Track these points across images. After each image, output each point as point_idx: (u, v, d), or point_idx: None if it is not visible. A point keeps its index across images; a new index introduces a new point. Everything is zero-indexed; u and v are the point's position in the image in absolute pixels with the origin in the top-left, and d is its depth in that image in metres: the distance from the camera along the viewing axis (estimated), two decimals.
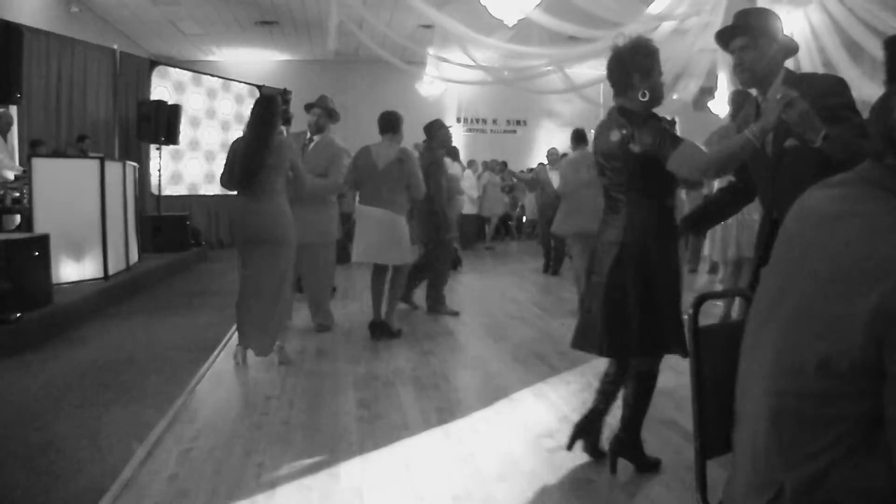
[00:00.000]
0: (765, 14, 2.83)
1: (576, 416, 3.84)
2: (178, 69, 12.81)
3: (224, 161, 4.99)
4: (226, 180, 4.92)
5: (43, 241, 5.82)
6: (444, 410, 4.00)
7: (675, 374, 3.76)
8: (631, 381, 3.11)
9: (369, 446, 3.46)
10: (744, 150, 2.57)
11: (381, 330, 5.75)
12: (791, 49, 2.83)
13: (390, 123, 5.86)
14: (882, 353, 1.25)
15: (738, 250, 5.73)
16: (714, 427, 1.94)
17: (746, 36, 2.76)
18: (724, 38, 2.85)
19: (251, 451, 3.35)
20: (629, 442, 3.15)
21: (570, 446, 3.25)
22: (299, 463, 3.24)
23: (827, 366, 1.33)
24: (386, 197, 5.69)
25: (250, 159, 4.69)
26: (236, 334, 5.04)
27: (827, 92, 2.65)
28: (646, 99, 2.92)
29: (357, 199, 6.14)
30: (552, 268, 9.85)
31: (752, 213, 5.15)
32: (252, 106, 4.98)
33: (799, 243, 1.52)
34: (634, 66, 2.92)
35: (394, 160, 5.71)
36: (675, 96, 10.68)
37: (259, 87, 13.59)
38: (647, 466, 3.16)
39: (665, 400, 4.04)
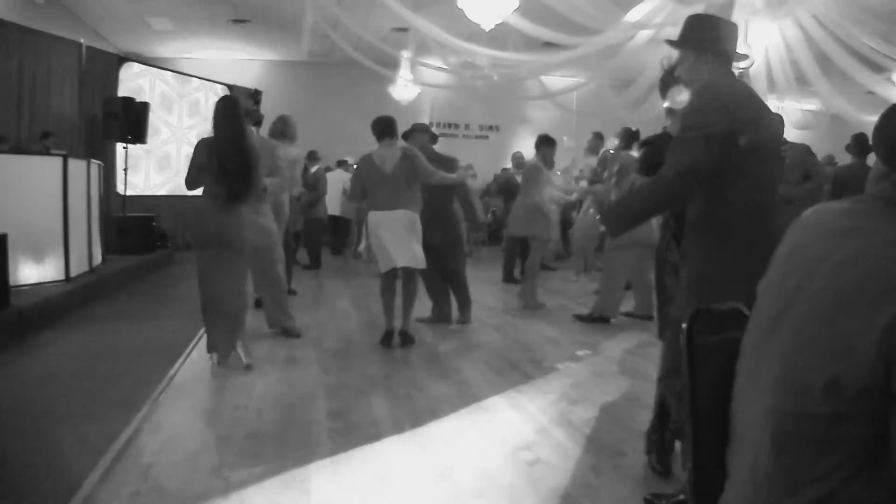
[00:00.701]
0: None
1: (554, 428, 3.78)
2: (146, 66, 12.58)
3: (189, 163, 4.87)
4: (209, 181, 4.72)
5: (0, 241, 5.60)
6: (419, 421, 3.89)
7: (643, 381, 3.69)
8: None
9: (342, 459, 3.33)
10: None
11: (404, 339, 5.65)
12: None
13: (390, 127, 5.76)
14: (890, 375, 1.19)
15: None
16: (709, 447, 1.86)
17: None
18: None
19: (218, 466, 3.20)
20: None
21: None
22: (269, 478, 3.10)
23: (834, 387, 1.27)
24: (403, 198, 5.58)
25: (243, 158, 4.72)
26: (204, 340, 4.97)
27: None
28: None
29: (367, 207, 5.84)
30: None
31: None
32: (216, 108, 4.85)
33: (803, 258, 1.46)
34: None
35: (399, 159, 5.59)
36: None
37: (230, 86, 13.37)
38: None
39: (645, 411, 3.98)
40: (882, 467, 1.26)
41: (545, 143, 7.59)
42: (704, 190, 2.66)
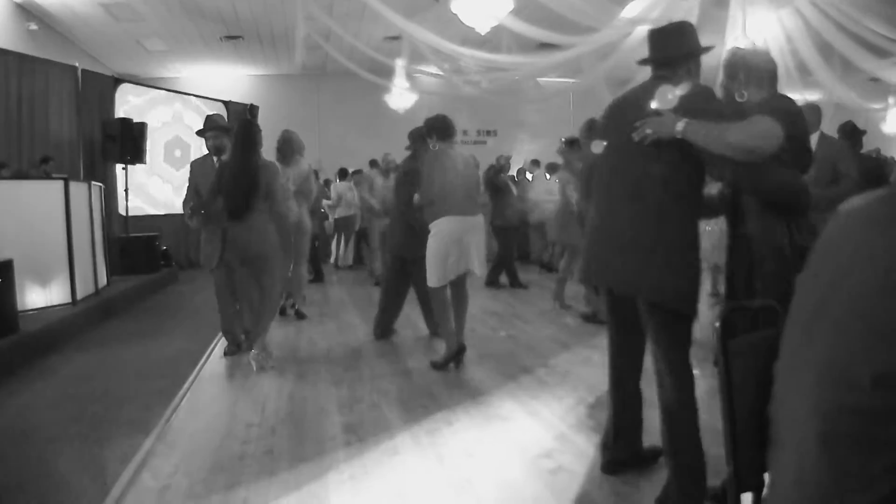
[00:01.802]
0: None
1: (574, 434, 3.72)
2: (142, 86, 12.57)
3: (188, 185, 5.68)
4: (209, 203, 5.30)
5: (7, 267, 5.57)
6: (435, 432, 3.84)
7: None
8: None
9: (359, 474, 3.28)
10: None
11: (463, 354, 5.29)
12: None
13: (452, 128, 5.40)
14: None
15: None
16: (748, 450, 1.82)
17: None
18: None
19: (234, 485, 3.16)
20: None
21: None
22: (286, 496, 3.05)
23: (885, 379, 1.20)
24: (475, 201, 5.30)
25: (248, 181, 5.15)
26: (220, 355, 5.55)
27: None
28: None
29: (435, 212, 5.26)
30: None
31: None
32: (237, 132, 5.31)
33: (845, 247, 1.41)
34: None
35: (467, 162, 5.36)
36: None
37: (226, 103, 13.35)
38: None
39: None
40: None
41: (569, 147, 7.34)
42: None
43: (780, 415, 1.50)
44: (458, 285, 5.36)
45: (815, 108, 5.20)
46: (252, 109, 13.09)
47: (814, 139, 5.57)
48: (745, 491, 1.71)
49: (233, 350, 5.66)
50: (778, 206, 2.87)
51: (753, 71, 3.03)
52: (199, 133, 5.90)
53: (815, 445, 1.32)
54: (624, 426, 3.11)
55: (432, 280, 5.19)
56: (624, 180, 2.84)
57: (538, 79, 11.99)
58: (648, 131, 2.68)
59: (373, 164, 12.23)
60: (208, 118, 5.99)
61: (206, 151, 5.93)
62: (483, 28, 8.07)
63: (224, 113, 11.98)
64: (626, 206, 2.80)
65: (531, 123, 16.79)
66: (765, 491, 1.57)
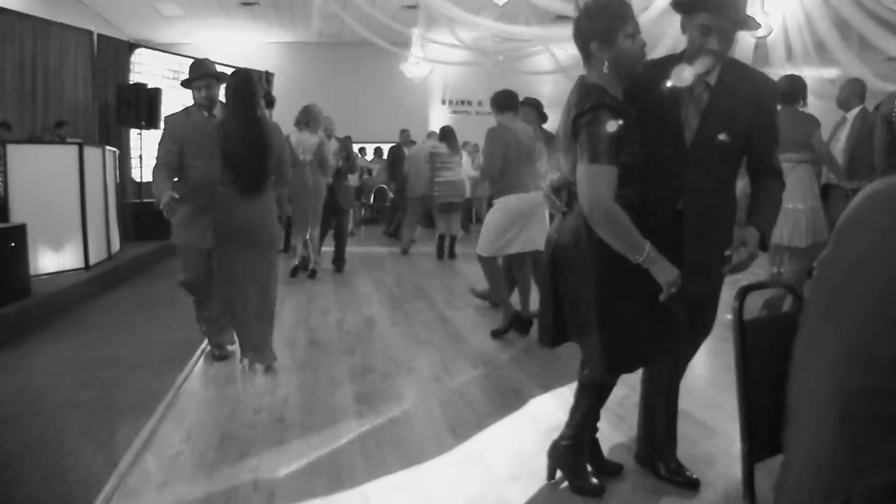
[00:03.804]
0: None
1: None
2: (157, 52, 12.49)
3: (161, 148, 4.42)
4: (217, 169, 4.22)
5: (20, 231, 5.57)
6: (447, 404, 3.82)
7: None
8: None
9: (371, 445, 3.27)
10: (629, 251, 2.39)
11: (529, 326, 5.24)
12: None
13: (514, 101, 5.28)
14: None
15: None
16: (761, 428, 1.78)
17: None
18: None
19: (245, 454, 3.15)
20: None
21: None
22: (298, 465, 3.04)
23: None
24: (534, 177, 5.08)
25: (255, 142, 4.20)
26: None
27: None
28: (608, 72, 2.47)
29: (494, 186, 5.30)
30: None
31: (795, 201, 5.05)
32: (229, 84, 4.32)
33: (866, 229, 1.38)
34: (591, 34, 2.46)
35: (532, 136, 5.21)
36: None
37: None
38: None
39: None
40: None
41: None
42: None
43: (797, 394, 1.48)
44: (522, 259, 5.33)
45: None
46: (268, 76, 13.01)
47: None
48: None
49: (224, 354, 4.71)
50: None
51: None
52: (186, 83, 4.62)
53: (833, 426, 1.31)
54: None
55: (484, 249, 5.18)
56: None
57: (555, 51, 11.84)
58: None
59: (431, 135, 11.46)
60: (196, 63, 4.69)
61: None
62: None
63: None
64: None
65: (546, 94, 16.64)
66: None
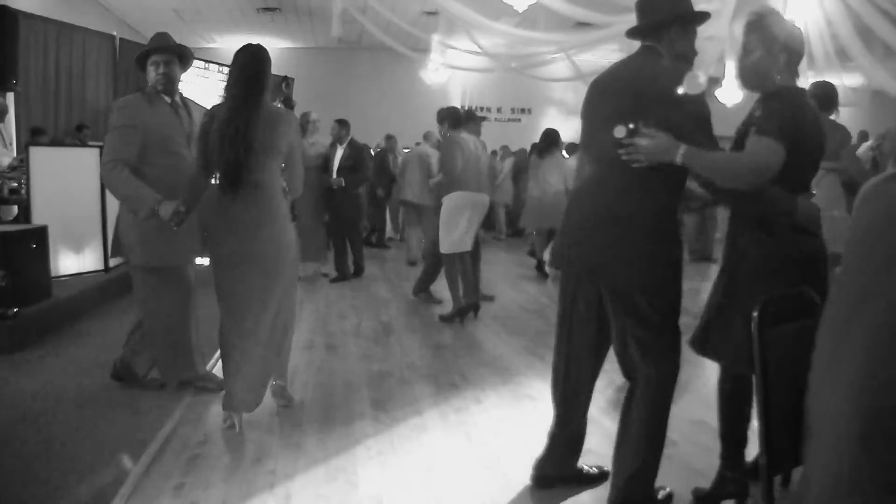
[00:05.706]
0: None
1: (601, 416, 3.67)
2: None
3: (118, 131, 3.62)
4: (200, 167, 3.44)
5: (41, 233, 5.61)
6: (463, 410, 3.82)
7: (692, 367, 3.57)
8: None
9: (387, 450, 3.27)
10: None
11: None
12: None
13: (461, 119, 6.33)
14: None
15: None
16: (781, 440, 1.77)
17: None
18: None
19: (262, 458, 3.16)
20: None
21: None
22: (314, 470, 3.05)
23: None
24: (485, 182, 6.29)
25: (241, 130, 3.25)
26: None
27: None
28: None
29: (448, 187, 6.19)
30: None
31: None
32: (235, 60, 3.45)
33: (885, 239, 1.35)
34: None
35: (480, 146, 6.28)
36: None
37: None
38: None
39: (692, 398, 3.88)
40: None
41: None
42: None
43: (816, 408, 1.46)
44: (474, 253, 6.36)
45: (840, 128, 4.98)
46: (288, 82, 13.06)
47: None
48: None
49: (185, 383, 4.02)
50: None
51: (794, 56, 2.51)
52: (140, 58, 3.85)
53: (854, 442, 1.29)
54: None
55: (445, 247, 6.07)
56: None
57: (573, 58, 11.83)
58: (641, 157, 2.33)
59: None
60: (157, 35, 3.92)
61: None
62: (521, 6, 7.97)
63: None
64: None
65: (565, 101, 16.62)
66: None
